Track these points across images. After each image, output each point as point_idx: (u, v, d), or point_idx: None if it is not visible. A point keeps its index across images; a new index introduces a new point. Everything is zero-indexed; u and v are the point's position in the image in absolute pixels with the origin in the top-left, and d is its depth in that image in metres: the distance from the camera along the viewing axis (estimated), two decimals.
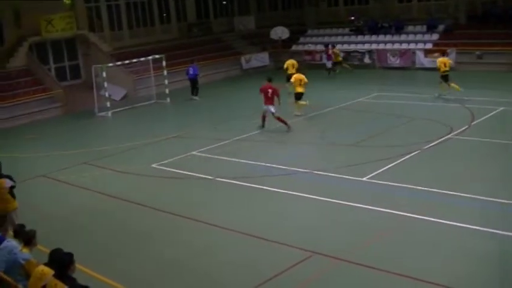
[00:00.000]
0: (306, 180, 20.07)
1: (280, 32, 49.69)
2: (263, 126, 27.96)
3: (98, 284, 13.25)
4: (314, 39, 51.58)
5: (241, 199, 19.09)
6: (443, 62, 32.21)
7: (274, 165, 21.87)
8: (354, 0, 53.09)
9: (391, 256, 13.85)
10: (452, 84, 31.77)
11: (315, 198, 18.05)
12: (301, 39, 52.21)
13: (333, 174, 20.26)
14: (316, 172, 20.69)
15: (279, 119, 27.27)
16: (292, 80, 31.29)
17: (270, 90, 27.16)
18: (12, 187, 16.07)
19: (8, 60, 41.20)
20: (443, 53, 35.40)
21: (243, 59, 49.44)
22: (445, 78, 32.04)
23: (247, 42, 54.13)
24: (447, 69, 31.96)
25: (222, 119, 31.20)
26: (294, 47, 51.17)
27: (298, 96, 30.67)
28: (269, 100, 27.21)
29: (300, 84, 30.42)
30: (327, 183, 19.60)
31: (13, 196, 16.06)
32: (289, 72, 35.98)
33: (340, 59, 45.16)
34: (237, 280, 13.51)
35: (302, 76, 30.73)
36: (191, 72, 38.53)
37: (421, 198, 17.57)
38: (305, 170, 20.93)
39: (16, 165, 25.85)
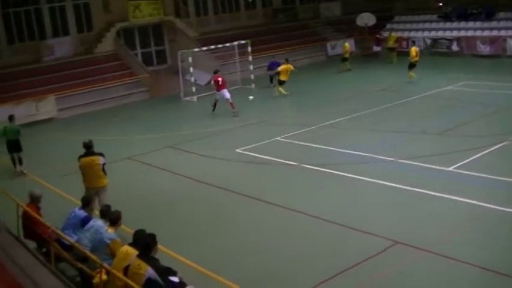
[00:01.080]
0: (391, 169, 19.70)
1: (366, 19, 48.99)
2: (213, 110, 31.35)
3: (180, 266, 13.26)
4: (401, 25, 50.65)
5: (325, 186, 18.92)
6: None
7: (359, 153, 21.58)
8: None
9: (475, 248, 13.45)
10: None
11: (399, 187, 17.72)
12: (388, 26, 51.33)
13: (418, 163, 19.83)
14: (401, 161, 20.32)
15: (231, 104, 30.64)
16: (280, 68, 34.64)
17: (220, 79, 30.96)
18: (103, 164, 16.42)
19: (96, 45, 42.05)
20: None
21: (328, 45, 49.05)
22: None
23: (332, 28, 53.65)
24: None
25: (307, 105, 31.01)
26: (384, 34, 50.33)
27: (281, 83, 34.57)
28: (222, 86, 30.95)
29: (286, 74, 34.32)
30: (411, 172, 19.21)
31: (105, 173, 16.42)
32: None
33: (394, 45, 44.99)
34: (320, 265, 13.36)
35: (290, 66, 34.57)
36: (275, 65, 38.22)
37: (509, 190, 17.01)
38: (390, 159, 20.58)
39: (103, 147, 26.19)
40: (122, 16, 42.58)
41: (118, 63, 41.62)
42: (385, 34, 45.81)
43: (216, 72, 31.69)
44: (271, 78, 37.27)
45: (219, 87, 30.91)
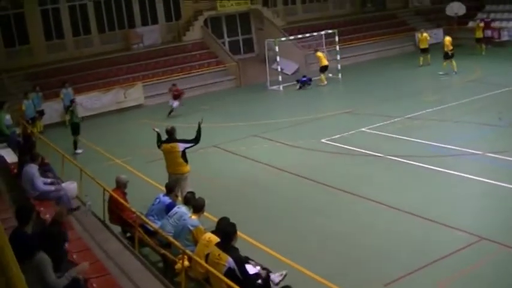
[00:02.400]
0: (477, 162, 19.18)
1: (456, 8, 47.86)
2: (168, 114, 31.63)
3: (261, 254, 13.31)
4: (492, 15, 49.30)
5: (410, 178, 18.59)
6: None
7: (445, 146, 21.09)
8: None
9: None
10: None
11: (485, 182, 17.20)
12: (479, 15, 50.04)
13: (506, 158, 19.22)
14: (488, 154, 19.76)
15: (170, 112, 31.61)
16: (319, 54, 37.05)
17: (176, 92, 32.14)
18: (187, 148, 16.45)
19: (184, 33, 42.53)
20: None
21: (417, 35, 48.22)
22: None
23: (421, 18, 52.65)
24: None
25: (393, 96, 30.57)
26: (470, 24, 49.16)
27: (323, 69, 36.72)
28: (175, 97, 32.10)
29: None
30: (499, 166, 18.63)
31: (185, 160, 16.45)
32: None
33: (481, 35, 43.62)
34: (403, 259, 13.11)
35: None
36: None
37: None
38: (477, 152, 20.04)
39: (190, 135, 26.58)
40: (209, 5, 43.04)
41: (205, 51, 41.99)
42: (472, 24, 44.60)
43: (174, 85, 33.07)
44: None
45: (174, 96, 32.18)
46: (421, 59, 39.00)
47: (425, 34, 39.32)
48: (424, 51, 39.47)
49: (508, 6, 49.01)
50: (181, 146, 16.35)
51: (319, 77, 36.54)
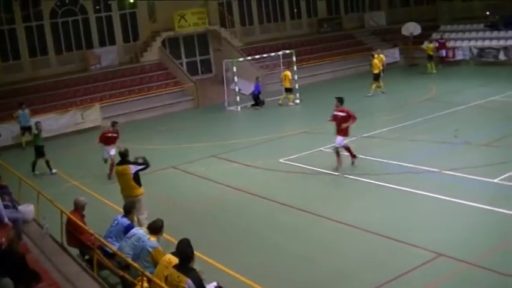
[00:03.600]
0: (435, 180, 19.44)
1: (411, 28, 48.58)
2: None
3: (222, 275, 13.32)
4: (447, 35, 50.13)
5: (368, 197, 18.78)
6: None
7: (402, 163, 21.35)
8: None
9: None
10: None
11: (443, 199, 17.45)
12: (434, 36, 50.84)
13: (462, 175, 19.54)
14: (445, 172, 20.06)
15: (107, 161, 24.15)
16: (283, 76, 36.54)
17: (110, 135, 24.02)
18: (138, 171, 16.47)
19: (142, 54, 42.53)
20: None
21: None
22: None
23: (377, 38, 53.38)
24: None
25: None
26: (425, 44, 49.95)
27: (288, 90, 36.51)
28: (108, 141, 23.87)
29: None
30: (456, 183, 18.93)
31: (138, 183, 16.46)
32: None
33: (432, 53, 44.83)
34: (363, 277, 13.26)
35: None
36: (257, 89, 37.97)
37: None
38: (434, 169, 20.32)
39: (148, 155, 26.44)
40: (167, 25, 43.01)
41: (163, 72, 42.01)
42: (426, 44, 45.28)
43: (113, 124, 24.82)
44: (256, 101, 37.50)
45: (107, 140, 23.98)
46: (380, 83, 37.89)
47: (381, 55, 38.66)
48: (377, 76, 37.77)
49: (461, 26, 49.97)
50: (132, 168, 16.36)
51: (281, 96, 37.00)
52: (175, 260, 10.39)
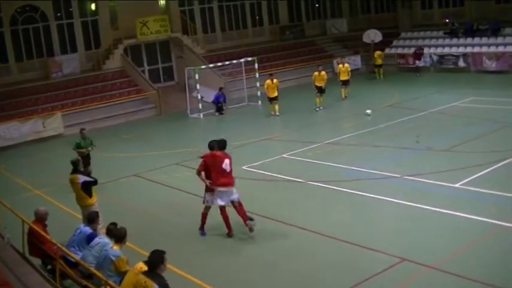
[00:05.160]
0: (397, 186, 19.65)
1: (373, 35, 49.03)
2: None
3: (186, 283, 13.33)
4: (407, 42, 50.73)
5: (332, 203, 18.91)
6: None
7: (365, 170, 21.54)
8: (448, 2, 51.82)
9: (484, 265, 13.39)
10: None
11: (405, 204, 17.65)
12: (395, 43, 51.42)
13: (424, 180, 19.81)
14: (407, 177, 20.28)
15: None
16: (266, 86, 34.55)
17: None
18: (88, 183, 16.43)
19: (104, 62, 42.29)
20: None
21: (335, 62, 49.08)
22: None
23: (339, 45, 53.79)
24: None
25: (312, 123, 31.03)
26: (386, 50, 50.47)
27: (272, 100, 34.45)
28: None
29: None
30: (418, 188, 19.17)
31: (88, 193, 16.47)
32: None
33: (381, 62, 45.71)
34: (327, 282, 13.38)
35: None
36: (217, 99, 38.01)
37: None
38: (396, 175, 20.53)
39: (110, 164, 26.49)
40: (129, 33, 42.82)
41: (125, 80, 41.85)
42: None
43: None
44: (218, 107, 37.56)
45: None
46: (342, 91, 37.87)
47: (346, 65, 38.25)
48: (344, 83, 37.81)
49: (421, 34, 50.57)
50: (80, 178, 16.39)
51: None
52: (146, 268, 10.37)
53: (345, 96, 37.36)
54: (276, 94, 34.21)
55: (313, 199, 19.40)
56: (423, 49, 45.48)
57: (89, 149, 23.66)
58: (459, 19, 48.69)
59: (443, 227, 15.94)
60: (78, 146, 23.38)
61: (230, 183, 16.64)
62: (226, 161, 16.59)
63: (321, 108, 34.71)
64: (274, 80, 34.41)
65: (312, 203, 19.05)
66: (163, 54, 46.24)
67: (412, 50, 47.49)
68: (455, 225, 15.95)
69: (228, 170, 16.56)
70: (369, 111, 30.24)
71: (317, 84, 34.88)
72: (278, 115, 34.25)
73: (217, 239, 16.76)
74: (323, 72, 35.96)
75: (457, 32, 47.74)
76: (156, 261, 10.18)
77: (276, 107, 34.49)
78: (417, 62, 45.35)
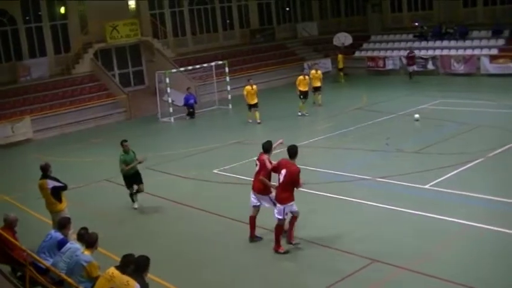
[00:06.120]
0: (368, 187, 19.80)
1: (343, 38, 49.34)
2: None
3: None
4: (377, 45, 51.10)
5: (302, 205, 18.85)
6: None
7: (335, 172, 21.67)
8: (417, 6, 52.29)
9: (454, 265, 13.58)
10: None
11: (376, 206, 17.80)
12: (364, 46, 51.75)
13: (395, 182, 19.97)
14: (378, 179, 20.42)
15: None
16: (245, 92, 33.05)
17: None
18: (57, 189, 16.34)
19: (73, 66, 41.99)
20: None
21: (305, 65, 49.28)
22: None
23: (310, 48, 54.06)
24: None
25: (282, 126, 31.05)
26: (356, 53, 50.81)
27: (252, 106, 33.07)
28: None
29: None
30: (388, 190, 19.32)
31: (57, 198, 16.39)
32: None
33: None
34: (298, 286, 13.43)
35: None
36: (187, 100, 37.92)
37: (485, 207, 17.22)
38: (367, 177, 20.67)
39: (81, 168, 26.31)
40: (99, 37, 42.57)
41: (95, 84, 41.57)
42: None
43: None
44: (190, 112, 37.44)
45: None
46: (315, 97, 36.55)
47: (319, 71, 37.10)
48: (317, 89, 36.14)
49: (391, 37, 50.97)
50: (49, 183, 16.28)
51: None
52: (118, 274, 10.31)
53: (319, 104, 36.17)
54: (256, 101, 33.00)
55: None
56: (414, 52, 44.75)
57: (136, 162, 20.27)
58: (428, 22, 49.28)
59: (414, 228, 16.08)
60: (125, 163, 20.09)
61: (252, 187, 16.50)
62: (257, 162, 16.59)
63: (306, 114, 33.97)
64: (254, 86, 33.20)
65: None
66: (133, 58, 46.01)
67: (382, 54, 47.83)
68: (425, 226, 16.11)
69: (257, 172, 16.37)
70: (417, 115, 29.31)
71: (301, 89, 33.87)
72: (259, 122, 32.73)
73: (188, 243, 16.80)
74: (319, 72, 36.47)
75: (425, 35, 48.26)
76: (143, 263, 10.37)
77: (257, 114, 33.03)
78: (410, 67, 43.85)
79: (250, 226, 16.26)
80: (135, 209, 20.00)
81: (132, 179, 20.15)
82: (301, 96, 33.81)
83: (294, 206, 15.23)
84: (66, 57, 42.62)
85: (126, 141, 20.48)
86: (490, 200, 17.57)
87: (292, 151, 15.54)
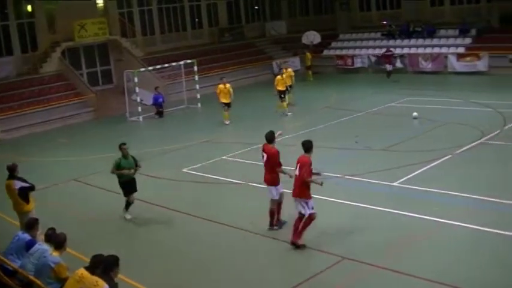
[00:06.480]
0: (338, 185, 19.84)
1: (311, 37, 49.51)
2: None
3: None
4: (346, 43, 51.39)
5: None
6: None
7: None
8: (386, 5, 52.68)
9: (423, 262, 13.69)
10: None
11: (346, 203, 17.90)
12: (333, 44, 51.99)
13: (364, 179, 20.11)
14: (347, 177, 20.52)
15: None
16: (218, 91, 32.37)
17: None
18: (25, 189, 16.20)
19: (41, 65, 41.59)
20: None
21: (274, 64, 49.38)
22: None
23: (278, 47, 54.17)
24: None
25: (251, 124, 31.07)
26: (325, 52, 51.03)
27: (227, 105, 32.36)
28: None
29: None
30: (358, 188, 19.45)
31: (25, 199, 16.27)
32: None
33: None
34: (268, 283, 13.47)
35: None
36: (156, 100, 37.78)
37: (453, 203, 17.41)
38: (337, 175, 20.74)
39: (48, 168, 26.11)
40: (67, 36, 42.22)
41: (63, 83, 41.24)
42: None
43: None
44: (158, 112, 37.32)
45: None
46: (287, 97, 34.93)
47: (289, 69, 36.54)
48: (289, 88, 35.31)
49: (359, 35, 51.30)
50: (17, 184, 16.17)
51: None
52: (87, 275, 10.25)
53: (289, 103, 35.06)
54: (229, 100, 32.18)
55: (254, 201, 19.39)
56: (392, 51, 44.58)
57: (132, 171, 18.67)
58: (396, 21, 49.64)
59: (383, 225, 16.21)
60: (117, 167, 18.54)
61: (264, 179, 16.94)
62: (263, 154, 16.99)
63: (288, 113, 33.54)
64: (227, 85, 32.36)
65: (252, 204, 19.05)
66: (102, 57, 45.70)
67: (351, 52, 48.06)
68: (394, 223, 16.27)
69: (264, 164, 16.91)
70: (415, 113, 29.03)
71: (280, 88, 33.38)
72: (227, 124, 32.25)
73: (158, 242, 16.76)
74: (290, 70, 36.10)
75: (394, 34, 48.62)
76: (111, 263, 10.33)
77: (226, 114, 32.45)
78: (388, 66, 43.19)
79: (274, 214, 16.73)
80: (128, 219, 18.60)
81: (127, 186, 18.60)
82: (281, 96, 33.46)
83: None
84: (33, 56, 42.23)
85: (124, 144, 18.76)
86: (458, 196, 17.80)
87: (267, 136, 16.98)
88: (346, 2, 54.33)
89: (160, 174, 23.28)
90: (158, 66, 39.93)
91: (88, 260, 10.69)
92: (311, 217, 15.06)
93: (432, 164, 21.07)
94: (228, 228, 17.07)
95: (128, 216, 18.67)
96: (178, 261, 15.46)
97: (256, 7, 56.86)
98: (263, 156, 16.85)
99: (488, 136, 24.33)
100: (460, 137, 24.36)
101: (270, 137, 16.95)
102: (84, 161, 27.18)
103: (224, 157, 24.94)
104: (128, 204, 18.73)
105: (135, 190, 18.71)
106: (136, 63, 42.34)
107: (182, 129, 33.00)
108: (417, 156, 21.99)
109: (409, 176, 19.86)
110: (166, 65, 40.05)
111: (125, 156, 18.48)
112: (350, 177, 20.45)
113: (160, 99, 37.44)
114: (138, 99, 37.18)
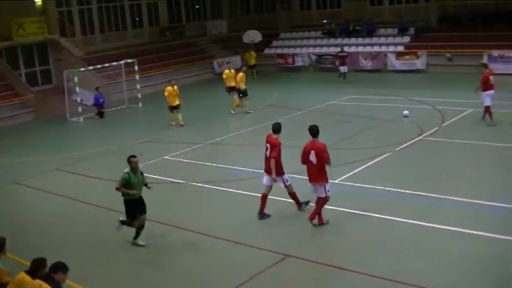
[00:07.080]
0: (278, 184, 19.97)
1: (252, 36, 49.76)
2: None
3: None
4: (286, 42, 51.78)
5: (212, 203, 19.09)
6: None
7: (247, 169, 21.79)
8: (326, 4, 53.19)
9: (367, 258, 13.94)
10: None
11: (286, 201, 18.00)
12: (274, 43, 52.32)
13: (305, 177, 20.20)
14: (289, 175, 20.63)
15: None
16: (166, 93, 31.24)
17: None
18: None
19: None
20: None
21: (215, 63, 49.46)
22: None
23: (219, 46, 54.27)
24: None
25: (193, 124, 31.07)
26: (266, 51, 51.31)
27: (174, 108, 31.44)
28: None
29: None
30: (299, 186, 19.55)
31: None
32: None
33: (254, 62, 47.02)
34: (212, 283, 13.56)
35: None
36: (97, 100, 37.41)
37: (394, 199, 17.77)
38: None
39: None
40: (4, 35, 41.48)
41: (1, 83, 40.49)
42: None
43: None
44: (99, 112, 37.09)
45: None
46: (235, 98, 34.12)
47: (233, 70, 35.23)
48: (232, 89, 34.33)
49: (300, 34, 51.70)
50: None
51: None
52: (28, 279, 10.18)
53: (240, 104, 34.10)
54: (178, 102, 31.19)
55: (196, 200, 19.53)
56: (345, 52, 43.38)
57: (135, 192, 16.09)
58: (336, 20, 50.21)
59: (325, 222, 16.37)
60: (126, 184, 16.15)
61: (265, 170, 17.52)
62: (267, 145, 17.52)
63: (250, 111, 33.19)
64: (175, 87, 31.28)
65: (195, 204, 19.18)
66: (40, 56, 45.07)
67: (291, 51, 48.40)
68: (335, 220, 16.45)
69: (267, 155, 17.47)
70: (406, 112, 28.57)
71: (241, 86, 33.06)
72: (182, 125, 31.12)
73: (106, 245, 16.67)
74: (233, 71, 34.98)
75: (334, 33, 49.16)
76: (56, 267, 10.25)
77: (179, 116, 31.32)
78: (341, 68, 41.83)
79: (261, 203, 17.24)
80: (142, 246, 16.14)
81: (136, 206, 16.06)
82: (240, 95, 33.26)
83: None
84: None
85: (134, 156, 16.38)
86: (399, 192, 18.20)
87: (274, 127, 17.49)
88: (286, 1, 54.70)
89: (102, 175, 23.07)
90: (98, 66, 39.57)
91: (29, 264, 10.60)
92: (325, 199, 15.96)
93: (373, 161, 21.52)
94: (168, 227, 17.10)
95: (142, 243, 16.15)
96: (114, 261, 15.53)
97: (197, 6, 56.81)
98: (267, 148, 17.44)
99: (427, 133, 24.89)
100: (399, 134, 24.89)
101: (277, 128, 17.55)
102: (24, 162, 26.80)
103: (166, 157, 24.92)
104: (139, 229, 16.12)
105: (145, 211, 16.14)
106: (76, 62, 41.85)
107: (123, 130, 32.82)
108: (358, 154, 22.35)
109: (350, 174, 20.24)
110: (106, 64, 39.72)
111: (133, 170, 16.20)
112: (292, 176, 20.55)
113: (101, 100, 37.18)
114: (79, 100, 36.83)
